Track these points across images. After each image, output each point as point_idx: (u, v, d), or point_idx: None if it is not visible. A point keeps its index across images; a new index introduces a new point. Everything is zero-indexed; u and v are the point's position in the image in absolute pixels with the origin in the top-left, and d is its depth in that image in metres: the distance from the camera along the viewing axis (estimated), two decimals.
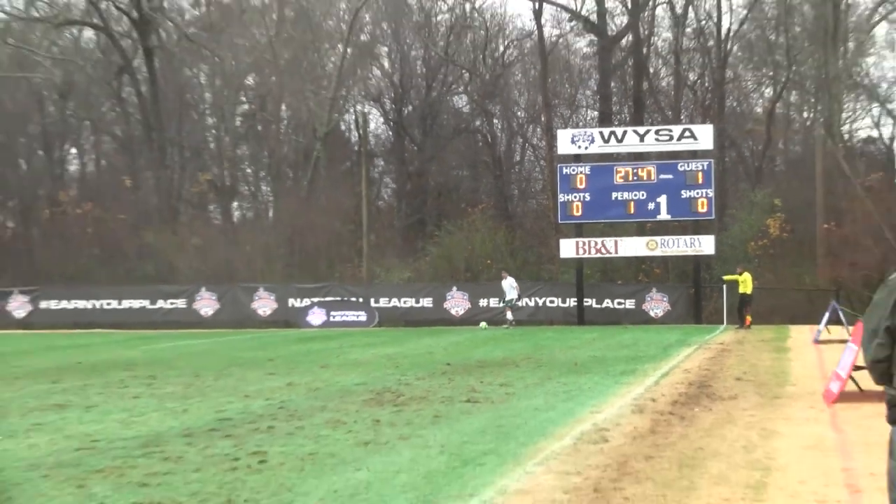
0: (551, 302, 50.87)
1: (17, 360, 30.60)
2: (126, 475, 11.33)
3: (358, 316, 51.68)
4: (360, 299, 52.53)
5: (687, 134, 49.25)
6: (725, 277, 47.72)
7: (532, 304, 50.63)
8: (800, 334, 38.11)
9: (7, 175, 72.34)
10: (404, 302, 52.46)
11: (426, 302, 52.23)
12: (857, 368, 17.09)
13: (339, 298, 52.73)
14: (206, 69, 72.91)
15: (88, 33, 75.03)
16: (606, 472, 11.32)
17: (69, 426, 15.43)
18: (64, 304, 54.45)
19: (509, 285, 48.40)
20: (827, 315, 35.02)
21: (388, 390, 19.76)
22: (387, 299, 52.54)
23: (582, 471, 11.36)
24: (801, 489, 10.52)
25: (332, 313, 51.95)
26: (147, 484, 10.81)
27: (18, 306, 54.73)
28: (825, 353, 28.35)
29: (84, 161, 78.27)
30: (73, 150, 78.02)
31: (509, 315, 48.13)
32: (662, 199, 48.43)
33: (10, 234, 71.77)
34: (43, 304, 54.63)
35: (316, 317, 51.90)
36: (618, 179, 48.85)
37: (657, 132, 50.06)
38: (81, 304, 54.42)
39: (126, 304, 54.17)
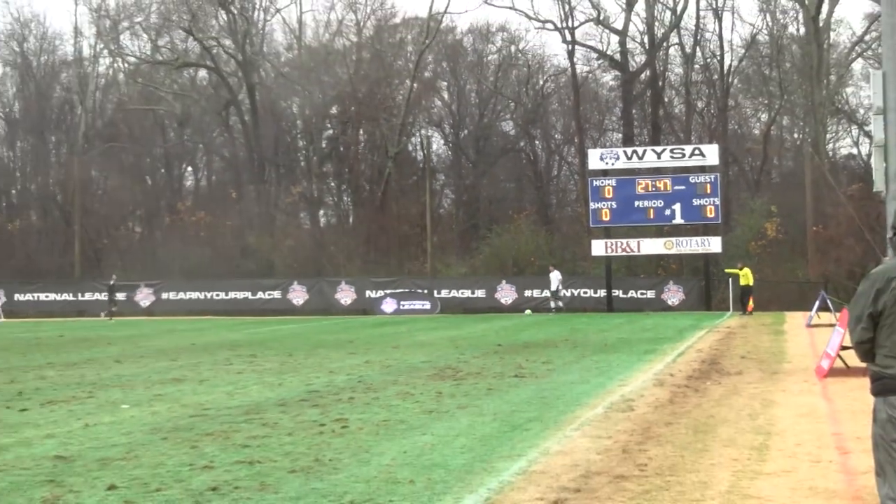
0: (584, 293, 50.73)
1: (143, 341, 30.75)
2: (231, 438, 11.28)
3: (423, 304, 51.63)
4: (425, 290, 52.48)
5: (697, 152, 49.03)
6: (727, 270, 47.67)
7: (568, 294, 50.44)
8: (794, 320, 37.81)
9: (135, 189, 72.90)
10: (462, 293, 52.39)
11: (480, 293, 52.15)
12: (844, 348, 16.88)
13: (407, 290, 52.71)
14: (297, 101, 73.08)
15: (202, 73, 75.47)
16: (633, 436, 11.18)
17: (185, 397, 15.41)
18: (181, 295, 54.76)
19: (555, 277, 48.38)
20: (817, 303, 34.66)
21: (449, 367, 19.65)
22: (447, 290, 52.50)
23: (612, 435, 11.22)
24: (797, 450, 10.33)
25: (402, 302, 51.92)
26: (248, 445, 10.75)
27: (144, 297, 55.10)
28: (816, 335, 28.05)
29: (198, 177, 78.80)
30: (189, 169, 78.57)
31: (552, 304, 48.06)
32: (677, 207, 48.24)
33: (138, 237, 72.30)
34: (164, 295, 54.94)
35: (388, 305, 51.88)
36: (639, 190, 48.73)
37: (671, 151, 49.87)
38: (195, 295, 54.76)
39: (231, 295, 54.38)
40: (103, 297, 53.57)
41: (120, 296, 54.20)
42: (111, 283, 52.25)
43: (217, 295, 54.31)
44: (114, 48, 74.29)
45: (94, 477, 9.19)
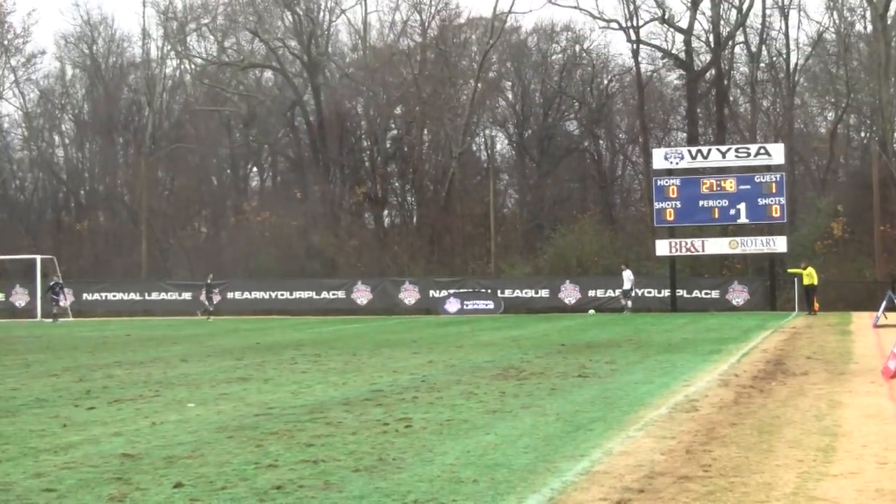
0: (648, 292, 50.53)
1: (208, 340, 30.98)
2: (295, 437, 11.32)
3: (487, 304, 51.63)
4: (489, 290, 52.49)
5: (762, 151, 48.72)
6: (789, 270, 47.32)
7: (633, 294, 50.27)
8: (860, 320, 37.37)
9: (202, 189, 73.50)
10: (525, 293, 52.35)
11: (544, 293, 52.10)
12: None
13: (471, 290, 52.73)
14: (362, 102, 73.34)
15: (268, 74, 75.99)
16: (697, 436, 11.09)
17: (250, 396, 15.49)
18: (246, 295, 55.12)
19: (628, 276, 48.26)
20: (884, 303, 34.30)
21: (513, 367, 19.62)
22: (511, 290, 52.48)
23: (676, 435, 11.14)
24: (864, 452, 10.21)
25: (466, 302, 51.95)
26: (313, 444, 10.79)
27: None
28: (883, 335, 27.70)
29: (263, 178, 79.24)
30: (255, 169, 79.02)
31: (624, 301, 47.95)
32: (742, 206, 47.99)
33: (203, 237, 72.84)
34: (230, 295, 55.28)
35: (452, 305, 51.94)
36: (704, 190, 48.51)
37: (737, 150, 49.59)
38: (260, 294, 55.11)
39: (296, 294, 54.67)
40: (193, 296, 54.29)
41: (185, 295, 54.78)
42: (208, 281, 52.40)
43: (281, 295, 54.63)
44: (181, 50, 74.96)
45: (161, 475, 9.27)
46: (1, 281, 60.50)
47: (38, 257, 55.77)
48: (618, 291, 49.48)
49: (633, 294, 48.59)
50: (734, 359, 21.18)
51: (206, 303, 51.48)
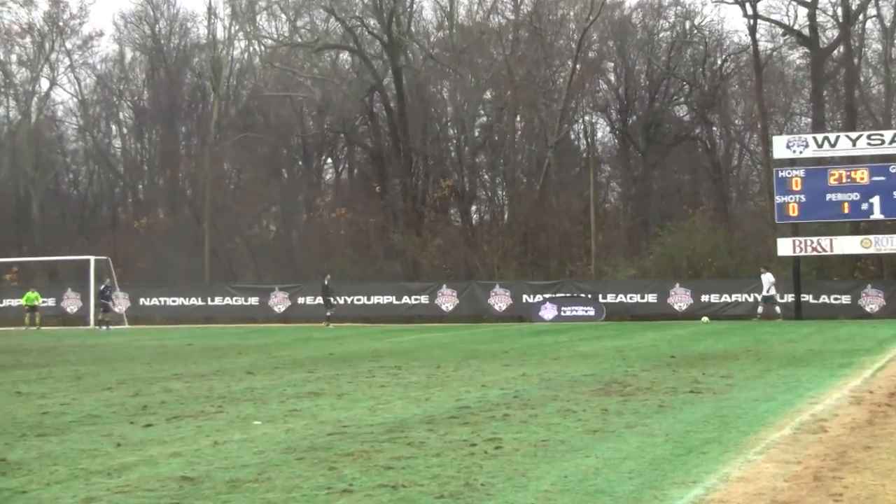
0: None
1: (277, 351, 31.16)
2: (373, 459, 11.29)
3: (587, 311, 51.50)
4: (589, 295, 52.36)
5: None
6: None
7: (751, 299, 49.92)
8: None
9: (270, 183, 74.09)
10: (630, 297, 52.17)
11: (651, 297, 51.90)
12: None
13: (569, 294, 52.65)
14: (448, 86, 73.51)
15: (344, 55, 76.40)
16: (825, 461, 10.89)
17: (322, 412, 15.50)
18: (319, 300, 55.25)
19: (767, 280, 47.89)
20: None
21: (616, 381, 19.47)
22: (614, 295, 52.31)
23: (801, 460, 10.95)
24: None
25: (563, 308, 51.86)
26: (392, 467, 10.75)
27: (279, 302, 55.90)
28: None
29: (338, 170, 79.77)
30: (329, 161, 79.54)
31: (766, 309, 47.50)
32: (875, 200, 47.38)
33: (273, 236, 73.45)
34: (300, 300, 55.67)
35: (548, 311, 51.86)
36: (832, 182, 47.97)
37: (869, 137, 48.99)
38: (333, 300, 55.19)
39: (374, 299, 54.89)
40: (261, 302, 54.91)
41: (252, 300, 55.24)
42: (325, 283, 52.71)
43: (358, 299, 54.82)
44: (250, 30, 75.66)
45: (223, 500, 9.28)
46: (52, 284, 61.48)
47: (92, 258, 56.52)
48: (756, 297, 49.09)
49: (777, 298, 48.08)
50: (868, 373, 20.87)
51: (326, 307, 51.50)
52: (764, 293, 48.08)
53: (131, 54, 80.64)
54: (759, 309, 47.99)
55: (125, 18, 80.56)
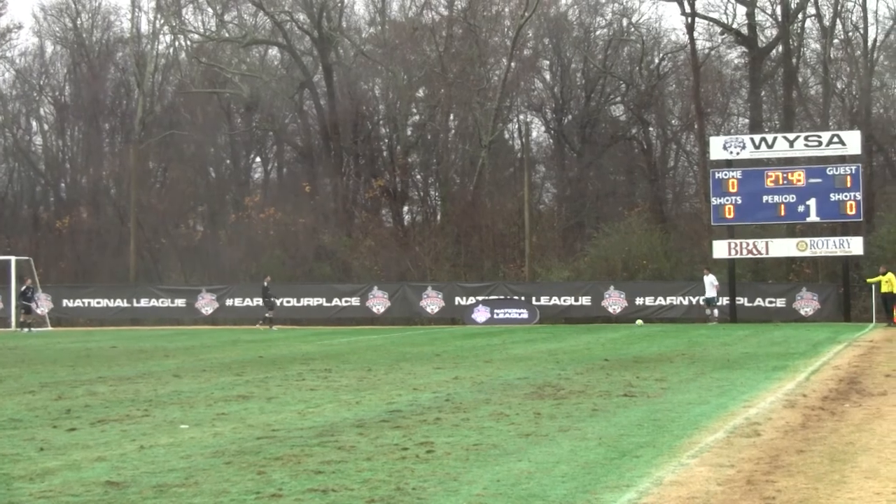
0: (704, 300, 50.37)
1: (204, 353, 31.07)
2: (302, 463, 11.35)
3: (520, 313, 51.63)
4: (523, 297, 52.51)
5: (835, 140, 48.60)
6: (869, 280, 47.32)
7: (686, 302, 50.28)
8: None
9: (197, 182, 73.70)
10: (564, 300, 52.35)
11: (585, 300, 52.09)
12: None
13: (502, 297, 52.76)
14: (380, 83, 73.42)
15: (273, 51, 76.21)
16: (759, 465, 11.08)
17: (251, 416, 15.54)
18: (247, 302, 55.12)
19: (710, 283, 48.19)
20: None
21: (549, 384, 19.62)
22: (547, 297, 52.48)
23: (735, 463, 11.13)
24: None
25: (496, 311, 51.97)
26: (322, 471, 10.82)
27: (206, 303, 55.59)
28: None
29: (268, 169, 79.44)
30: (258, 159, 79.25)
31: (710, 312, 47.85)
32: (812, 202, 47.85)
33: (200, 236, 73.00)
34: (228, 302, 55.42)
35: (480, 314, 51.96)
36: (768, 183, 48.40)
37: (806, 138, 49.47)
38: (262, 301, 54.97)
39: (304, 301, 54.73)
40: (187, 303, 54.62)
41: (178, 302, 54.91)
42: (265, 284, 52.26)
43: (287, 301, 54.60)
44: (175, 24, 75.15)
45: None
46: None
47: (13, 258, 55.90)
48: (700, 300, 49.42)
49: (717, 302, 48.47)
50: (802, 376, 21.12)
51: (266, 308, 51.34)
52: (707, 295, 48.40)
53: (52, 48, 79.94)
54: (712, 312, 48.24)
55: (45, 11, 80.00)
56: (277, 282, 56.05)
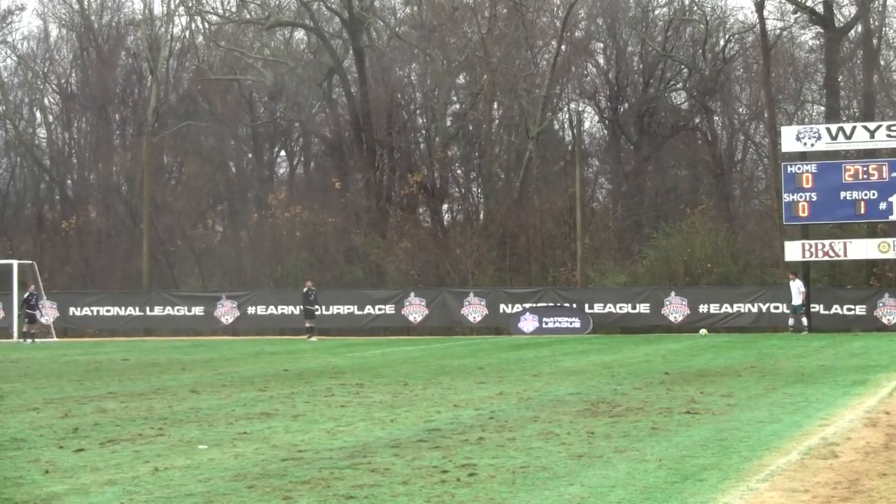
0: (776, 308, 50.26)
1: (224, 367, 31.17)
2: (332, 487, 11.38)
3: (572, 322, 51.59)
4: (574, 305, 52.45)
5: None
6: None
7: (755, 309, 50.11)
8: None
9: (216, 178, 73.86)
10: (620, 307, 52.27)
11: (643, 307, 51.98)
12: None
13: (552, 304, 52.71)
14: (416, 68, 73.47)
15: (299, 34, 76.34)
16: (836, 489, 11.03)
17: (275, 436, 15.58)
18: (271, 310, 55.22)
19: (797, 289, 47.90)
20: None
21: (603, 400, 19.60)
22: (601, 305, 52.40)
23: (810, 488, 11.09)
24: None
25: (545, 319, 51.94)
26: (353, 496, 10.84)
27: (226, 312, 55.70)
28: None
29: (293, 163, 79.50)
30: (283, 153, 79.29)
31: (792, 322, 47.59)
32: (895, 199, 47.52)
33: (219, 237, 73.21)
34: (250, 310, 55.48)
35: (528, 323, 51.95)
36: (847, 178, 48.11)
37: (889, 128, 49.18)
38: (287, 309, 55.01)
39: (333, 309, 54.66)
40: (206, 311, 54.81)
41: (196, 310, 55.13)
42: (305, 290, 52.42)
43: (315, 310, 54.71)
44: (192, 4, 75.42)
45: None
46: None
47: (15, 262, 56.26)
48: (785, 308, 49.21)
49: (802, 310, 48.15)
50: (885, 392, 21.04)
51: (305, 317, 51.38)
52: (794, 303, 48.05)
53: (57, 31, 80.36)
54: (791, 321, 48.07)
55: None
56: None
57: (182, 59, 78.59)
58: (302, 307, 51.87)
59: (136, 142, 72.34)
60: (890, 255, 49.91)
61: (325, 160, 75.48)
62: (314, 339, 49.68)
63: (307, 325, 51.07)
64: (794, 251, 49.46)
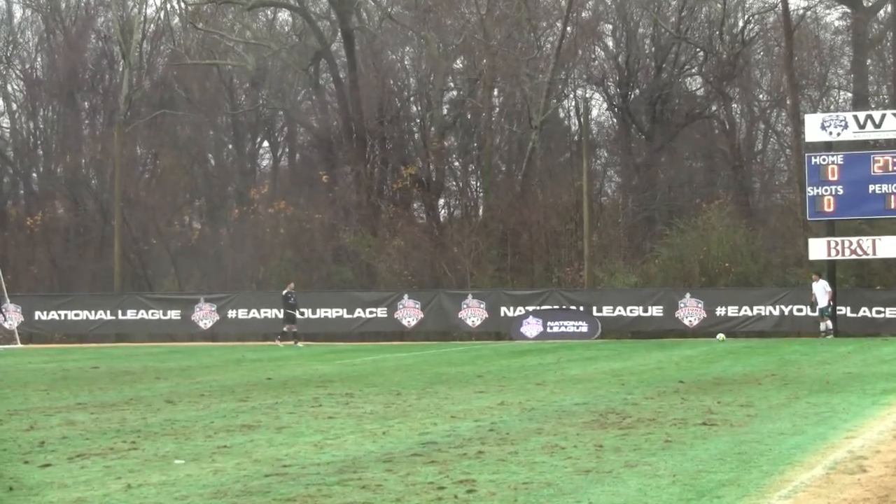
0: (799, 311, 50.29)
1: (203, 375, 31.19)
2: None
3: (578, 326, 51.65)
4: (581, 308, 52.49)
5: None
6: None
7: (776, 312, 50.11)
8: None
9: (194, 171, 73.87)
10: (630, 311, 52.30)
11: (655, 310, 52.01)
12: None
13: (556, 307, 52.75)
14: (410, 52, 73.54)
15: (283, 15, 76.46)
16: None
17: (258, 449, 15.61)
18: (253, 314, 55.22)
19: (822, 289, 47.82)
20: None
21: (613, 411, 19.63)
22: (611, 308, 52.43)
23: None
24: None
25: (550, 323, 51.99)
26: None
27: (204, 315, 55.69)
28: None
29: (277, 155, 79.61)
30: (266, 144, 79.39)
31: (824, 327, 47.57)
32: None
33: (197, 235, 73.20)
34: (231, 314, 55.47)
35: (531, 327, 52.00)
36: (876, 170, 48.14)
37: None
38: (271, 312, 54.91)
39: (321, 313, 54.71)
40: (182, 315, 54.79)
41: (172, 314, 55.14)
42: (285, 293, 52.33)
43: (300, 314, 54.73)
44: None
45: None
46: None
47: None
48: (809, 311, 49.21)
49: (829, 312, 48.09)
50: None
51: (284, 322, 51.31)
52: (819, 305, 48.00)
53: (21, 12, 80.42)
54: (822, 326, 47.99)
55: None
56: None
57: (156, 43, 78.66)
58: (283, 311, 51.85)
59: (107, 132, 72.27)
60: None
61: (311, 151, 75.57)
62: (300, 344, 49.70)
63: (285, 328, 50.99)
64: (818, 249, 49.47)
